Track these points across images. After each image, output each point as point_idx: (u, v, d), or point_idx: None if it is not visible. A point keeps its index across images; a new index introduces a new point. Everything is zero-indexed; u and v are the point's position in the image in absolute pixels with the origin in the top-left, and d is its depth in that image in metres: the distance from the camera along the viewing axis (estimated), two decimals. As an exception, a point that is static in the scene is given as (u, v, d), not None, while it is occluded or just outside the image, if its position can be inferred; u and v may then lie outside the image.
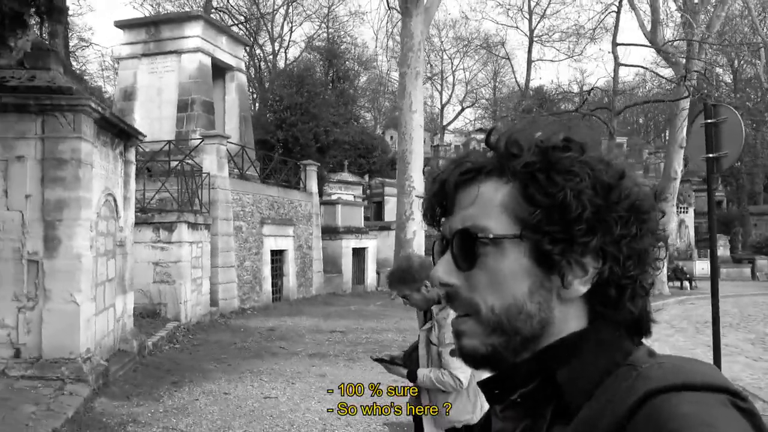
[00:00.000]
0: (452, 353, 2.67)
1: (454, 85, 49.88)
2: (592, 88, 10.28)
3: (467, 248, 0.75)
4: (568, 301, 0.74)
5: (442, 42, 47.34)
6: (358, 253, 21.47)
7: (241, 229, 14.95)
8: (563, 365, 0.72)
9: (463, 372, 3.02)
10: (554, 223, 0.71)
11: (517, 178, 0.73)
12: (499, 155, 0.75)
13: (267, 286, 16.12)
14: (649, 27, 21.92)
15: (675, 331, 14.68)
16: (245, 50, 20.50)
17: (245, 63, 19.89)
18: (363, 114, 44.35)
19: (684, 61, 20.22)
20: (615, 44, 8.72)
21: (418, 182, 16.58)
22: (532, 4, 29.48)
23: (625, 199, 0.72)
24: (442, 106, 51.30)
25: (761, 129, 34.89)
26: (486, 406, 3.25)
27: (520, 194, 0.73)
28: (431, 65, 48.02)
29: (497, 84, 48.91)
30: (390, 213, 28.58)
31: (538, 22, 30.00)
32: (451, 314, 2.72)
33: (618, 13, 11.42)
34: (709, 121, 6.61)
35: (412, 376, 3.16)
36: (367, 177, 32.70)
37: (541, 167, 0.72)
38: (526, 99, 32.23)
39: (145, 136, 8.69)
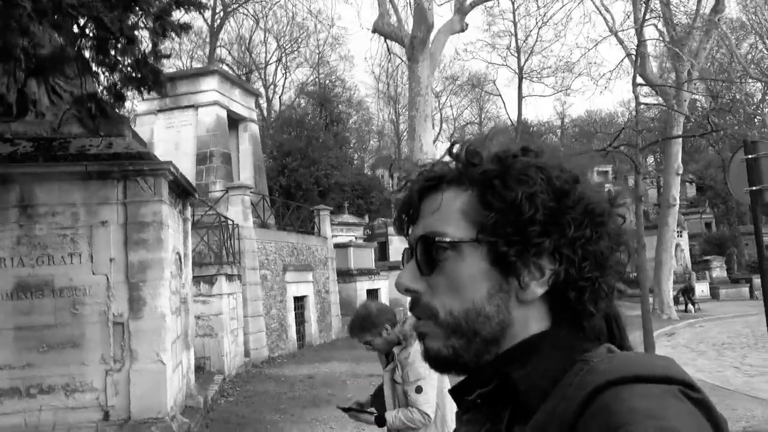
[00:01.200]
0: (417, 390, 3.26)
1: (441, 122, 50.92)
2: (623, 128, 10.79)
3: (428, 253, 0.77)
4: (528, 303, 0.76)
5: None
6: (372, 295, 21.61)
7: (266, 277, 15.08)
8: (521, 366, 0.72)
9: (429, 406, 3.19)
10: (509, 225, 0.73)
11: (475, 185, 0.76)
12: (460, 164, 0.78)
13: (292, 333, 16.17)
14: (638, 61, 22.90)
15: (696, 354, 14.96)
16: (256, 101, 20.95)
17: (256, 114, 20.30)
18: (352, 154, 45.01)
19: (674, 91, 21.14)
20: (635, 84, 9.31)
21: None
22: (520, 43, 30.56)
23: (579, 203, 0.74)
24: (435, 139, 52.34)
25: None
26: None
27: (477, 200, 0.75)
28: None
29: (483, 120, 50.10)
30: (395, 253, 28.82)
31: (526, 60, 31.07)
32: (411, 353, 3.28)
33: (636, 56, 12.07)
34: (750, 156, 7.05)
35: (381, 421, 3.24)
36: (367, 217, 33.06)
37: (497, 174, 0.75)
38: (519, 134, 33.37)
39: (198, 195, 8.93)
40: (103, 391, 6.45)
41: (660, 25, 22.09)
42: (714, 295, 30.66)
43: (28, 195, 6.50)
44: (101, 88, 6.34)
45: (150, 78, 5.55)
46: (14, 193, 6.48)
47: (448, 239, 0.75)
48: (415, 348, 3.26)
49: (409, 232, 0.82)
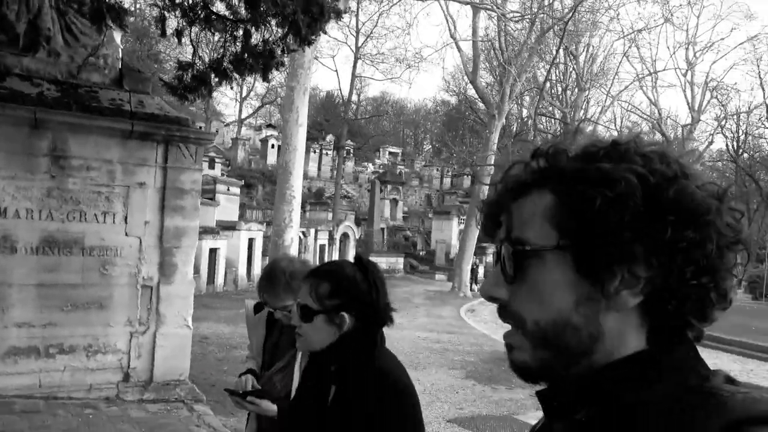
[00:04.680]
0: None
1: (254, 81, 50.24)
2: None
3: (509, 260, 0.73)
4: (620, 313, 0.70)
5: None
6: (213, 254, 21.45)
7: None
8: (633, 386, 0.68)
9: None
10: (594, 230, 0.67)
11: (559, 187, 0.72)
12: (543, 164, 0.75)
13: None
14: (471, 68, 26.15)
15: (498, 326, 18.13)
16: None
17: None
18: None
19: (495, 101, 24.88)
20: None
21: (298, 191, 17.70)
22: (360, 25, 32.05)
23: (678, 202, 0.67)
24: (242, 99, 51.50)
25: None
26: None
27: (561, 203, 0.71)
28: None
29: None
30: (221, 212, 28.35)
31: (364, 42, 32.65)
32: None
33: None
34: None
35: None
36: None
37: (579, 173, 0.70)
38: (348, 109, 35.37)
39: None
40: (126, 353, 6.40)
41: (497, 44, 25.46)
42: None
43: (62, 145, 6.04)
44: (197, 59, 6.06)
45: (270, 67, 5.55)
46: (46, 141, 5.97)
47: (528, 247, 0.72)
48: None
49: (496, 237, 0.78)
